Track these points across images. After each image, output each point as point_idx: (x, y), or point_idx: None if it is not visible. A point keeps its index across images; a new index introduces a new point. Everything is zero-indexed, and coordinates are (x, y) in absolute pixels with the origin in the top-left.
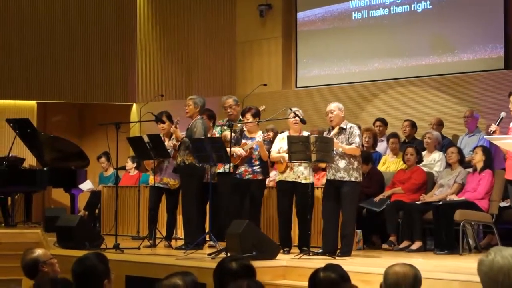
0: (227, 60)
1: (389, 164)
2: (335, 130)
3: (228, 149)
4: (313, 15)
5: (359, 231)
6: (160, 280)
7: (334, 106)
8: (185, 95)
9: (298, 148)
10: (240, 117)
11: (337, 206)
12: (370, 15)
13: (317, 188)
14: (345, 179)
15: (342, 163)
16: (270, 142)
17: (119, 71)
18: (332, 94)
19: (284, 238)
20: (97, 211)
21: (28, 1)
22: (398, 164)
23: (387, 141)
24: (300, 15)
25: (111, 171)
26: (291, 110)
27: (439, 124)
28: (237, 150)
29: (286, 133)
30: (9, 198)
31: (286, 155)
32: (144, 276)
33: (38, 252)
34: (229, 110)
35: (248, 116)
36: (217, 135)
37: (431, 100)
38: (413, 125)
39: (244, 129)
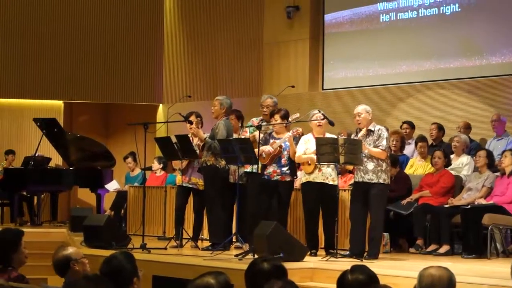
0: (254, 62)
1: (417, 167)
2: (363, 132)
3: (256, 150)
4: (340, 17)
5: (386, 234)
6: (192, 280)
7: (361, 108)
8: (211, 96)
9: (327, 150)
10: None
11: (365, 208)
12: (398, 18)
13: (344, 190)
14: (373, 181)
15: (370, 165)
16: (299, 138)
17: (146, 71)
18: (359, 97)
19: (311, 240)
20: (122, 211)
21: (53, 1)
22: (426, 167)
23: (415, 144)
24: (328, 17)
25: (137, 171)
26: (319, 111)
27: (467, 128)
28: (265, 148)
29: (310, 135)
30: (35, 198)
31: (313, 156)
32: (171, 276)
33: (71, 250)
34: (265, 110)
35: (277, 117)
36: (248, 134)
37: (459, 103)
38: (440, 128)
39: (271, 129)
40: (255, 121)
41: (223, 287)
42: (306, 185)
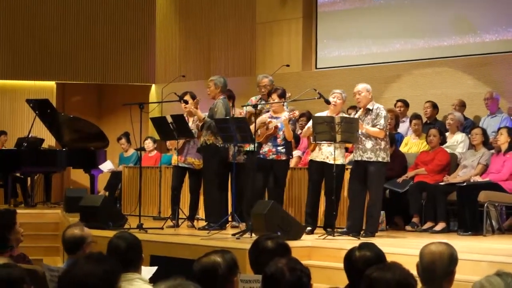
0: (247, 41)
1: (411, 145)
2: (360, 113)
3: (252, 127)
4: None
5: (382, 212)
6: (199, 258)
7: (361, 87)
8: (204, 76)
9: (323, 129)
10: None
11: (363, 186)
12: None
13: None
14: (372, 160)
15: (369, 144)
16: (295, 121)
17: (138, 51)
18: (353, 75)
19: (310, 217)
20: (117, 191)
21: None
22: (420, 145)
23: (410, 122)
24: None
25: (131, 151)
26: (316, 91)
27: (462, 105)
28: (264, 117)
29: (326, 113)
30: (29, 179)
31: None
32: (169, 256)
33: (87, 231)
34: (263, 90)
35: (274, 96)
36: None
37: (453, 81)
38: (434, 106)
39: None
40: (254, 100)
41: (230, 265)
42: (310, 163)
